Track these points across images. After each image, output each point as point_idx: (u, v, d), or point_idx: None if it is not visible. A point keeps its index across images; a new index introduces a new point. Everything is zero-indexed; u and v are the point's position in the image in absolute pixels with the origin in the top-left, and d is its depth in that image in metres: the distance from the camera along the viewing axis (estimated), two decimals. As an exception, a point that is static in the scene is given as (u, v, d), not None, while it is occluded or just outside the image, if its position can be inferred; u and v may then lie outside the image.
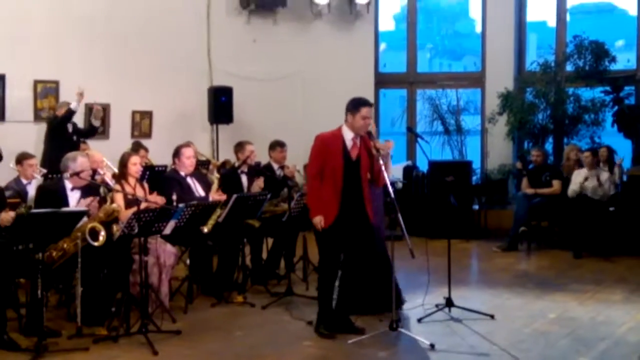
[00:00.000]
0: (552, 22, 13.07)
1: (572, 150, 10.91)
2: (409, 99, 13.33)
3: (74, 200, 6.52)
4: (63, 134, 9.50)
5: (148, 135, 11.75)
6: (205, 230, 7.09)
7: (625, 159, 11.54)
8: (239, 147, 8.55)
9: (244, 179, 8.37)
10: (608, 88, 11.77)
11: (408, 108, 13.35)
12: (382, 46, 15.02)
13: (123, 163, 7.17)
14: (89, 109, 10.36)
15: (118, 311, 6.26)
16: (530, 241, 10.33)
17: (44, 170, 8.20)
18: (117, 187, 6.84)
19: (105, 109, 10.26)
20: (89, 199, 6.45)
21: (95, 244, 6.04)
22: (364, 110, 6.10)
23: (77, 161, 6.58)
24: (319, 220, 6.03)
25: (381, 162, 6.08)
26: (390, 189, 6.03)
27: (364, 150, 6.20)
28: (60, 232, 5.90)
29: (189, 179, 7.59)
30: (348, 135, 6.16)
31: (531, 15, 14.14)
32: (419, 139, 7.62)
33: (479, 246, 10.72)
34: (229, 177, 8.22)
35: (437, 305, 6.90)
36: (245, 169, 8.40)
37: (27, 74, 10.45)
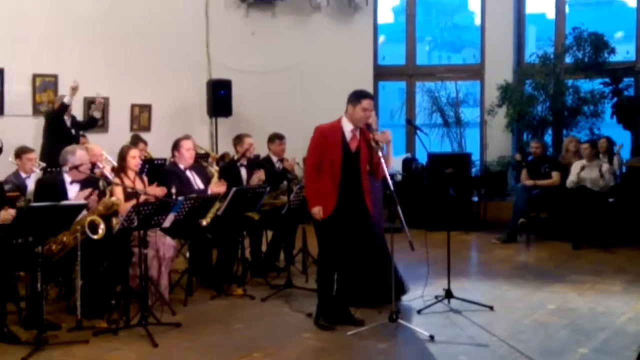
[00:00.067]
0: (551, 14, 13.09)
1: (571, 141, 10.92)
2: (408, 92, 13.32)
3: (73, 193, 6.52)
4: (61, 128, 9.49)
5: (147, 128, 11.74)
6: (204, 223, 7.10)
7: (625, 151, 11.55)
8: (238, 140, 8.54)
9: (243, 171, 8.37)
10: (607, 80, 11.77)
11: (407, 100, 13.35)
12: (381, 39, 15.01)
13: (122, 156, 7.16)
14: (89, 102, 10.34)
15: (118, 304, 6.27)
16: (529, 233, 10.34)
17: (43, 164, 8.20)
18: (117, 180, 6.84)
19: (104, 102, 10.24)
20: (87, 191, 6.44)
21: (95, 237, 6.04)
22: (365, 102, 6.10)
23: (76, 154, 6.58)
24: (317, 211, 6.04)
25: (380, 154, 6.08)
26: (390, 181, 6.03)
27: (363, 143, 6.20)
28: (59, 226, 5.91)
29: (188, 172, 7.60)
30: (347, 127, 6.16)
31: (530, 7, 14.16)
32: (418, 132, 7.61)
33: (478, 238, 10.73)
34: (228, 170, 8.23)
35: (436, 297, 6.90)
36: (244, 161, 8.40)
37: (26, 68, 10.43)
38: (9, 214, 5.80)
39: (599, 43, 11.69)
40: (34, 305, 5.97)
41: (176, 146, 7.64)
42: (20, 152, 7.97)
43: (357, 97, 6.14)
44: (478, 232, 11.00)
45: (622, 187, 10.26)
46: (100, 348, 5.75)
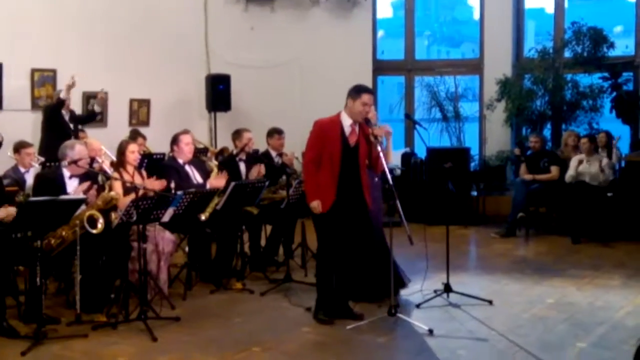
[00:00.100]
0: (550, 9, 13.06)
1: (570, 136, 10.91)
2: (407, 86, 13.31)
3: (72, 188, 6.52)
4: (59, 122, 9.47)
5: (146, 123, 11.74)
6: (203, 217, 7.10)
7: (624, 145, 11.55)
8: (237, 134, 8.55)
9: (242, 166, 8.37)
10: (606, 74, 11.75)
11: (406, 95, 13.34)
12: (380, 33, 14.98)
13: (121, 151, 7.17)
14: (88, 97, 10.31)
15: (117, 298, 6.28)
16: (528, 227, 10.35)
17: (42, 159, 8.19)
18: (116, 175, 6.84)
19: (103, 97, 10.23)
20: (85, 184, 6.44)
21: (94, 231, 6.04)
22: (365, 97, 6.10)
23: (75, 149, 6.58)
24: (316, 205, 6.05)
25: (379, 148, 6.08)
26: (389, 176, 6.03)
27: (362, 137, 6.20)
28: (58, 220, 5.92)
29: (187, 167, 7.60)
30: (346, 122, 6.16)
31: (529, 2, 14.10)
32: (417, 126, 7.63)
33: (477, 232, 10.73)
34: (227, 164, 8.23)
35: (435, 291, 6.90)
36: (243, 156, 8.40)
37: (25, 63, 10.41)
38: (8, 212, 5.80)
39: (598, 37, 11.68)
40: (33, 300, 5.97)
41: (175, 141, 7.64)
42: (19, 147, 7.97)
43: (357, 91, 6.15)
44: (477, 226, 11.01)
45: (621, 181, 10.27)
46: (100, 342, 5.76)
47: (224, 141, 10.66)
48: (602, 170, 9.80)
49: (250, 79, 12.24)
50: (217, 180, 7.50)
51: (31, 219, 5.62)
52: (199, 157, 8.56)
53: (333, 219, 6.09)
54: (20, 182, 7.56)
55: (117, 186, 6.78)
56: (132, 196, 6.27)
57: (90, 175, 6.66)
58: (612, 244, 9.52)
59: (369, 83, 11.45)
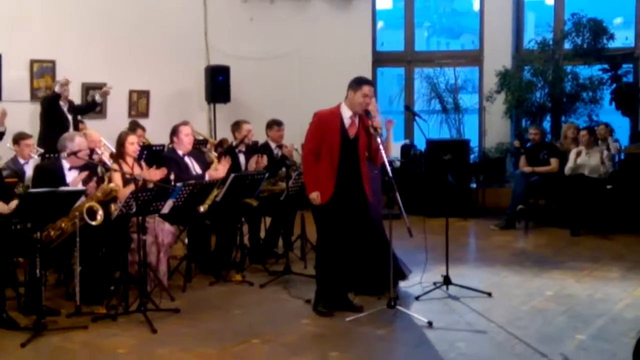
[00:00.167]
0: (550, 0, 13.00)
1: (570, 128, 10.90)
2: (407, 78, 13.29)
3: (72, 180, 6.51)
4: (56, 114, 9.43)
5: (145, 114, 11.72)
6: (202, 209, 7.09)
7: (623, 137, 11.55)
8: (236, 126, 8.54)
9: (242, 158, 8.37)
10: (606, 66, 11.73)
11: (406, 87, 13.32)
12: (380, 24, 14.91)
13: (120, 142, 7.17)
14: (87, 88, 10.29)
15: (117, 290, 6.29)
16: (527, 219, 10.35)
17: (41, 150, 8.18)
18: (115, 166, 6.83)
19: (107, 90, 10.20)
20: (83, 174, 6.44)
21: (93, 223, 6.04)
22: (366, 88, 6.10)
23: (75, 141, 6.57)
24: (315, 196, 6.05)
25: (379, 140, 6.08)
26: (389, 168, 6.02)
27: (362, 129, 6.19)
28: (58, 212, 5.92)
29: (186, 158, 7.59)
30: (346, 114, 6.15)
31: (529, -7, 14.06)
32: (416, 118, 7.64)
33: (476, 224, 10.74)
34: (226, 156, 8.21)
35: (435, 283, 6.91)
36: (242, 148, 8.39)
37: (24, 54, 10.38)
38: (7, 207, 5.80)
39: (598, 29, 11.65)
40: (33, 291, 5.97)
41: (174, 132, 7.64)
42: (18, 138, 7.96)
43: (358, 83, 6.14)
44: (476, 218, 11.01)
45: (621, 173, 10.27)
46: (99, 334, 5.76)
47: (224, 133, 10.65)
48: (603, 163, 9.80)
49: (250, 70, 12.22)
50: (216, 171, 7.50)
51: (31, 210, 5.61)
52: (198, 148, 8.55)
53: (332, 211, 6.09)
54: (19, 173, 7.56)
55: (117, 178, 6.78)
56: (132, 188, 6.28)
57: (89, 166, 6.65)
58: (611, 236, 9.53)
59: (368, 75, 11.44)
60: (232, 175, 7.16)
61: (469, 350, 5.44)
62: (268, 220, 8.43)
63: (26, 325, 5.82)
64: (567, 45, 11.96)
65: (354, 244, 6.23)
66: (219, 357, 5.35)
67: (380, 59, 13.17)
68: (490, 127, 12.24)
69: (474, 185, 11.71)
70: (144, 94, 11.81)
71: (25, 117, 9.96)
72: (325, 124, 6.11)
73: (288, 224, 8.28)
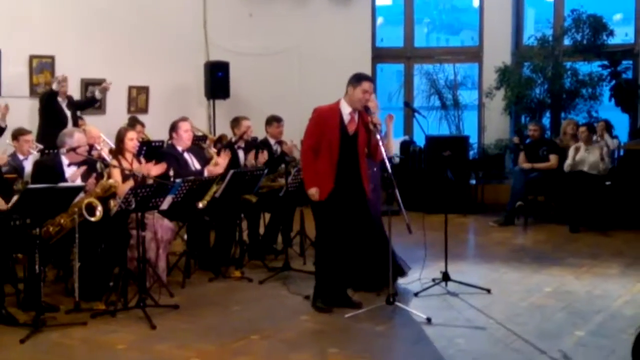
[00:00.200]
0: (550, -4, 13.00)
1: (569, 124, 10.90)
2: (406, 74, 13.28)
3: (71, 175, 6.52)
4: (55, 109, 9.42)
5: (144, 110, 11.71)
6: (200, 205, 7.09)
7: (622, 133, 11.55)
8: (236, 122, 8.53)
9: (241, 154, 8.36)
10: (606, 62, 11.74)
11: (405, 83, 13.31)
12: (380, 20, 14.91)
13: (120, 138, 7.16)
14: (86, 84, 10.27)
15: (116, 286, 6.29)
16: (527, 215, 10.34)
17: (41, 146, 8.17)
18: (114, 162, 6.83)
19: (101, 83, 10.20)
20: (82, 168, 6.43)
21: (92, 219, 6.03)
22: (366, 84, 6.09)
23: (74, 137, 6.56)
24: (314, 192, 6.04)
25: (378, 137, 6.08)
26: (388, 164, 6.02)
27: (361, 125, 6.19)
28: (57, 208, 5.90)
29: (186, 154, 7.59)
30: (346, 110, 6.14)
31: (529, -11, 14.06)
32: (416, 114, 7.63)
33: (475, 221, 10.74)
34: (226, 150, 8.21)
35: (434, 280, 6.91)
36: (242, 144, 8.39)
37: (23, 49, 10.37)
38: (5, 205, 5.82)
39: (598, 25, 11.64)
40: (32, 287, 5.98)
41: (174, 128, 7.64)
42: (18, 134, 7.96)
43: (357, 79, 6.14)
44: (475, 215, 11.01)
45: (620, 170, 10.27)
46: (98, 330, 5.77)
47: (223, 129, 10.64)
48: (602, 159, 9.80)
49: (249, 66, 12.20)
50: (215, 167, 7.50)
51: (30, 206, 5.61)
52: (197, 144, 8.54)
53: (331, 207, 6.08)
54: (18, 169, 7.56)
55: (116, 174, 6.77)
56: (131, 184, 6.27)
57: (88, 162, 6.65)
58: (611, 233, 9.53)
59: (368, 71, 11.45)
60: (232, 171, 7.15)
61: (468, 346, 5.44)
62: (267, 216, 8.42)
63: (25, 321, 5.82)
64: (566, 42, 11.94)
65: (353, 240, 6.23)
66: (218, 353, 5.35)
67: (379, 55, 13.16)
68: (489, 123, 12.24)
69: (473, 182, 11.71)
70: (143, 90, 11.80)
71: (25, 113, 9.94)
72: (324, 120, 6.11)
73: (287, 220, 8.28)
